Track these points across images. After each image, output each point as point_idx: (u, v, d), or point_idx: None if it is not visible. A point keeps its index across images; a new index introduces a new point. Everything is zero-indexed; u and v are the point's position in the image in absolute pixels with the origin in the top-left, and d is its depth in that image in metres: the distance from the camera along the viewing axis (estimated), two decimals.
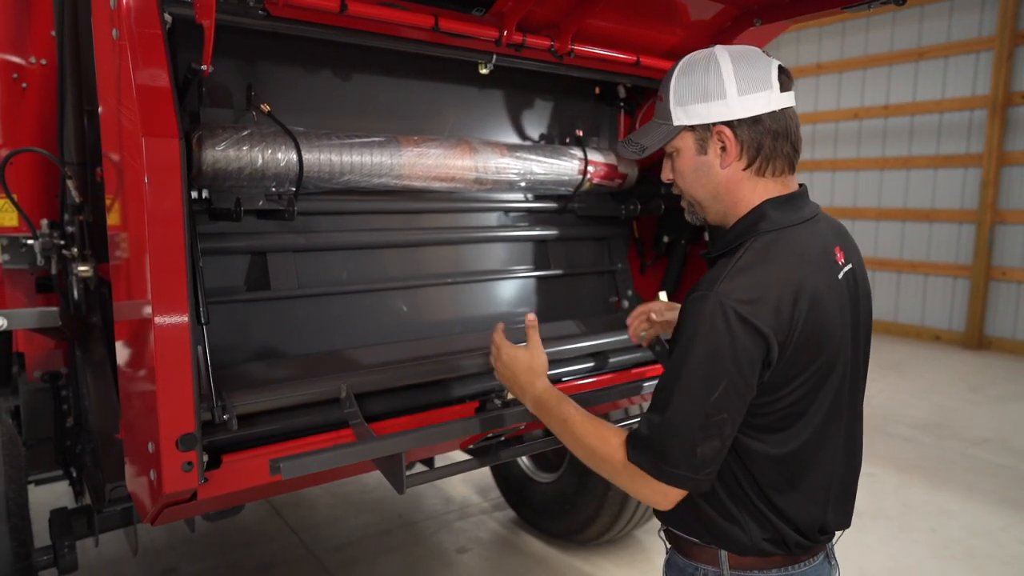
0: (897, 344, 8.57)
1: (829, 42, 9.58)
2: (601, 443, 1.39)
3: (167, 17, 1.47)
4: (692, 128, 1.38)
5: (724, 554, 1.41)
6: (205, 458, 1.50)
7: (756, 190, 1.38)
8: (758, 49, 1.40)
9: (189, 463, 1.44)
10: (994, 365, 7.58)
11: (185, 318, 1.38)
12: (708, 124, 1.37)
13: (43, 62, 2.85)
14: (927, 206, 8.72)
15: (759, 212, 1.37)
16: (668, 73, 1.43)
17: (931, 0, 8.41)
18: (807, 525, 1.40)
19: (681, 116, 1.38)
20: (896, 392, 6.58)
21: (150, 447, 1.49)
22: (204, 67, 1.52)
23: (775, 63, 1.37)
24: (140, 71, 1.39)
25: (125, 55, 1.42)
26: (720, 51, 1.37)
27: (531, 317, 1.67)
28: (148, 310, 1.37)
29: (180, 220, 1.38)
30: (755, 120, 1.34)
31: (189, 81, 1.63)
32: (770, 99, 1.33)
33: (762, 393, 1.30)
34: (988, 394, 6.55)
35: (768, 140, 1.35)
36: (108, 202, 1.69)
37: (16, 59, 2.82)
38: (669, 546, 1.55)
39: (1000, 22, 7.85)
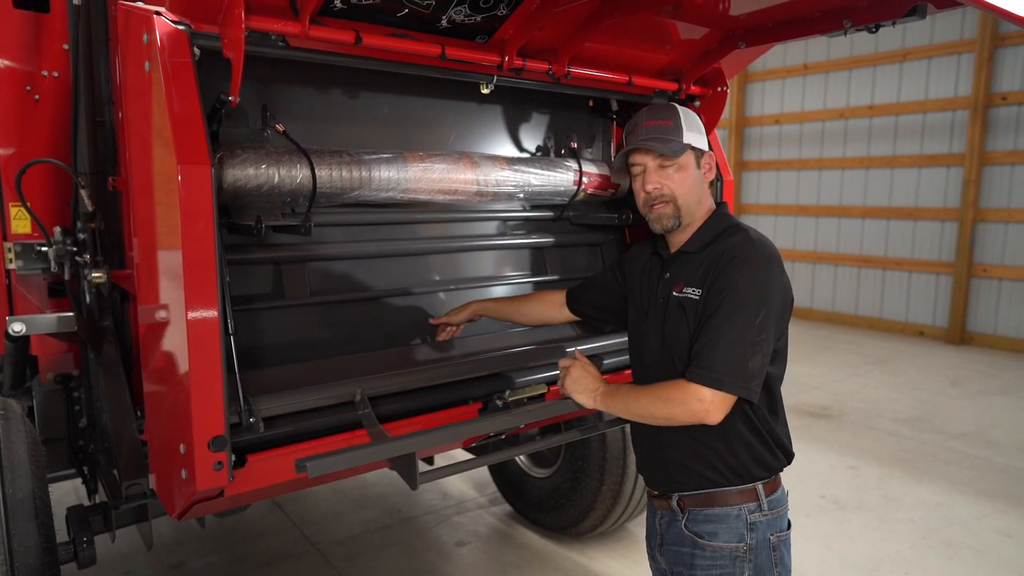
0: (882, 340, 8.76)
1: (815, 43, 9.73)
2: (663, 390, 1.71)
3: (196, 51, 1.59)
4: (694, 149, 1.86)
5: (760, 486, 1.79)
6: (233, 458, 1.63)
7: (710, 198, 1.94)
8: None
9: (219, 463, 1.56)
10: (975, 360, 7.78)
11: (217, 331, 1.51)
12: (702, 150, 1.89)
13: (55, 75, 2.94)
14: (911, 204, 8.91)
15: (721, 212, 1.91)
16: (662, 108, 1.89)
17: None
18: (789, 443, 1.87)
19: (690, 140, 1.84)
20: (880, 387, 6.76)
21: (182, 448, 1.61)
22: (232, 98, 1.64)
23: None
24: (174, 102, 1.50)
25: (158, 86, 1.54)
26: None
27: (578, 353, 2.04)
28: (183, 325, 1.49)
29: (212, 241, 1.50)
30: None
31: (217, 110, 1.75)
32: None
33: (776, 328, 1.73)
34: (968, 389, 6.74)
35: None
36: (137, 219, 1.80)
37: (30, 72, 2.92)
38: (683, 515, 1.83)
39: (981, 25, 8.03)
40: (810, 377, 7.05)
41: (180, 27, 1.57)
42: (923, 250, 8.84)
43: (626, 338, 2.41)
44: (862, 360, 7.76)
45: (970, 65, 8.22)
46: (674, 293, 1.83)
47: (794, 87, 10.03)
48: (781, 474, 1.88)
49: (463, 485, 4.56)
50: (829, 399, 6.38)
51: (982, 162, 8.18)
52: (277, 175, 1.94)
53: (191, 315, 1.48)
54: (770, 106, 10.39)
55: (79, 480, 3.23)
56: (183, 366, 1.53)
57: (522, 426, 2.20)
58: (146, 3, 1.82)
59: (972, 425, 5.73)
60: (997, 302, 8.24)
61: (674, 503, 1.86)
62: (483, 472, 4.55)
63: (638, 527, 3.94)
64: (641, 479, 3.50)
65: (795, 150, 10.07)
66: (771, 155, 10.44)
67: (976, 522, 4.10)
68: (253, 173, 1.90)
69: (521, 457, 4.04)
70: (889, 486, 4.59)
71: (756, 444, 1.78)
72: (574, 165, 2.64)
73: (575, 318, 2.33)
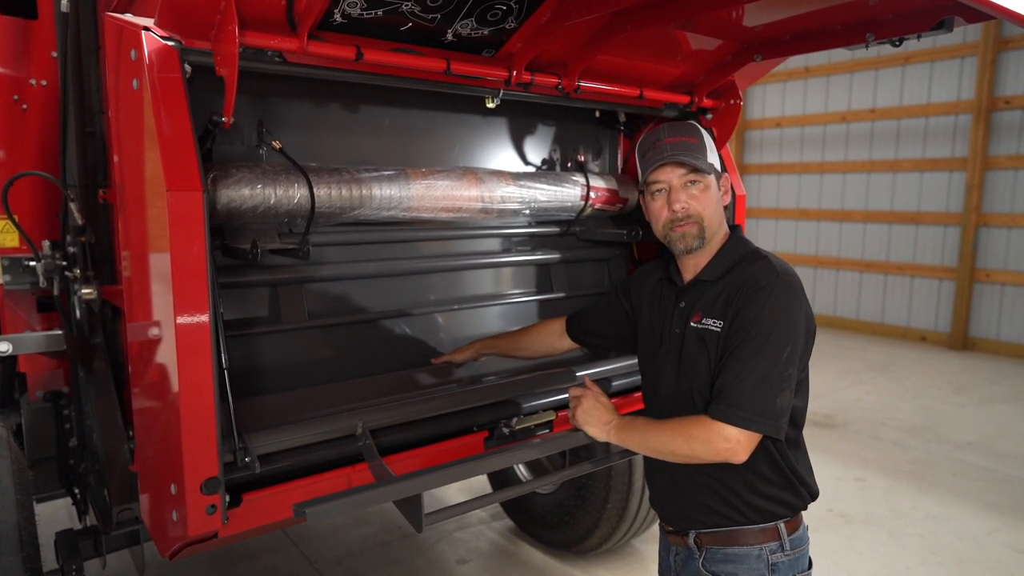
0: (884, 345, 8.69)
1: None
2: (685, 428, 1.62)
3: (187, 68, 1.49)
4: (715, 170, 1.80)
5: (782, 525, 1.70)
6: (227, 499, 1.54)
7: (726, 223, 1.84)
8: None
9: (213, 506, 1.47)
10: (978, 366, 7.71)
11: (210, 366, 1.41)
12: (720, 172, 1.82)
13: (44, 83, 2.85)
14: (913, 209, 8.84)
15: (737, 236, 1.82)
16: (684, 125, 1.81)
17: None
18: (812, 478, 1.78)
19: (713, 160, 1.78)
20: (884, 395, 6.69)
21: (173, 488, 1.52)
22: (225, 119, 1.55)
23: None
24: (163, 123, 1.41)
25: (147, 106, 1.45)
26: None
27: (588, 381, 1.96)
28: (174, 360, 1.40)
29: (204, 269, 1.41)
30: None
31: (210, 131, 1.65)
32: None
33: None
34: (972, 396, 6.67)
35: None
36: (127, 241, 1.71)
37: (17, 80, 2.82)
38: (700, 553, 1.74)
39: (984, 28, 7.96)
40: (813, 385, 6.85)
41: (170, 43, 1.48)
42: (925, 255, 8.77)
43: (636, 360, 2.33)
44: (865, 366, 7.68)
45: (973, 69, 8.15)
46: (692, 324, 1.73)
47: (795, 90, 9.95)
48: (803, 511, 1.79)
49: (464, 499, 4.46)
50: (833, 407, 6.31)
51: (985, 166, 8.11)
52: (274, 195, 1.85)
53: (182, 353, 1.39)
54: (771, 109, 10.31)
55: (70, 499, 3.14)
56: (173, 404, 1.44)
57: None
58: (135, 15, 1.73)
59: (977, 434, 5.66)
60: (1000, 307, 8.18)
61: (691, 540, 1.78)
62: (484, 487, 4.45)
63: (643, 544, 3.85)
64: (647, 495, 3.41)
65: (796, 154, 9.99)
66: (772, 159, 10.36)
67: (986, 537, 4.02)
68: (248, 194, 1.81)
69: (523, 472, 3.96)
70: (896, 499, 4.52)
71: (778, 482, 1.70)
72: (581, 179, 2.55)
73: (576, 346, 2.23)
